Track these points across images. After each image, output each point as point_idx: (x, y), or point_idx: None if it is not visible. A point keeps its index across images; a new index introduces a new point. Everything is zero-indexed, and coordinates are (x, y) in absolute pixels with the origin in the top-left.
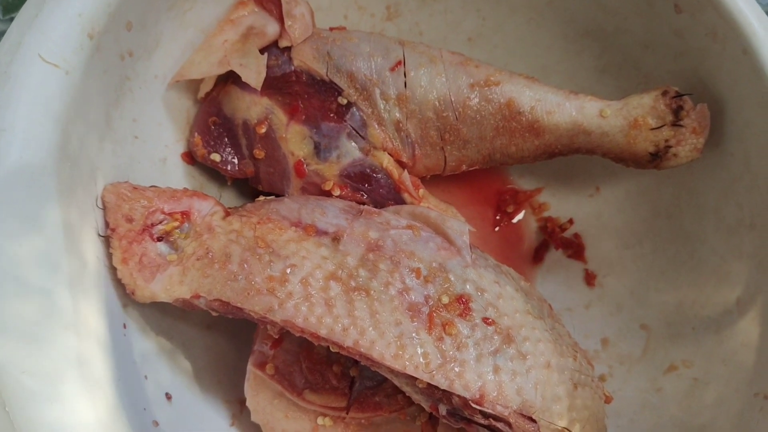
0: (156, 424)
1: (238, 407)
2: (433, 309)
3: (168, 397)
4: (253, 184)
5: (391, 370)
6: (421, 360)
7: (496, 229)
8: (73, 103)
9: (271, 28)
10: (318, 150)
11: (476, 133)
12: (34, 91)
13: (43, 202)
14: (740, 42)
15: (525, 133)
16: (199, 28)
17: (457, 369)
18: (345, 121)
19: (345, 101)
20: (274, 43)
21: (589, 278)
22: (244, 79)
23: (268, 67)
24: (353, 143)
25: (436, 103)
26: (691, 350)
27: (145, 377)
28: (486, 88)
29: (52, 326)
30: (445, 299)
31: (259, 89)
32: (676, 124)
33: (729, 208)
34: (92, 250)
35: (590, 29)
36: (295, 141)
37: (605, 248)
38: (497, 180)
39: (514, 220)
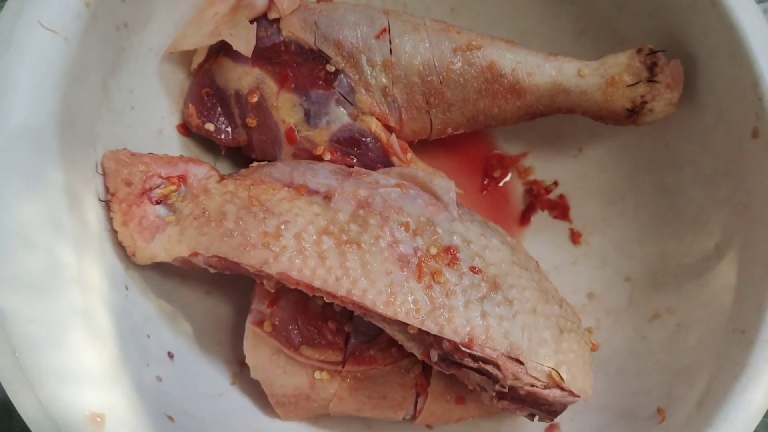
0: (159, 379)
1: (238, 367)
2: (422, 259)
3: (170, 355)
4: (246, 153)
5: (383, 318)
6: (412, 307)
7: (484, 193)
8: (72, 69)
9: (260, 1)
10: (308, 117)
11: (460, 95)
12: (35, 57)
13: (47, 163)
14: None
15: (507, 94)
16: (191, 2)
17: (446, 315)
18: (333, 88)
19: (333, 69)
20: (264, 15)
21: (575, 237)
22: (234, 48)
23: (257, 38)
24: (342, 109)
25: (421, 67)
26: (673, 298)
27: (148, 336)
28: (468, 52)
29: (57, 280)
30: (433, 250)
31: (250, 57)
32: (651, 80)
33: (705, 158)
34: (93, 214)
35: None
36: (286, 109)
37: (589, 207)
38: (483, 146)
39: (501, 184)
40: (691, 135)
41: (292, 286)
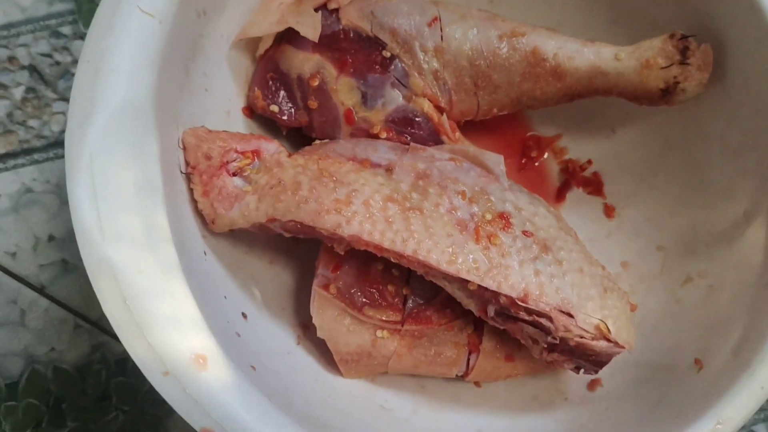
0: (238, 335)
1: (302, 330)
2: (479, 224)
3: (244, 315)
4: (307, 133)
5: (446, 276)
6: (472, 265)
7: (521, 172)
8: (165, 51)
9: None
10: (365, 99)
11: (505, 78)
12: (134, 38)
13: (145, 134)
14: None
15: (549, 77)
16: None
17: (503, 273)
18: (389, 72)
19: (388, 54)
20: (324, 6)
21: (609, 211)
22: (302, 34)
23: None
24: (396, 91)
25: (470, 53)
26: (705, 262)
27: (225, 297)
28: (513, 39)
29: (156, 238)
30: (488, 216)
31: (315, 42)
32: (683, 62)
33: (733, 134)
34: (179, 183)
35: None
36: (345, 92)
37: (622, 183)
38: (520, 128)
39: (537, 164)
40: (720, 113)
41: (362, 248)
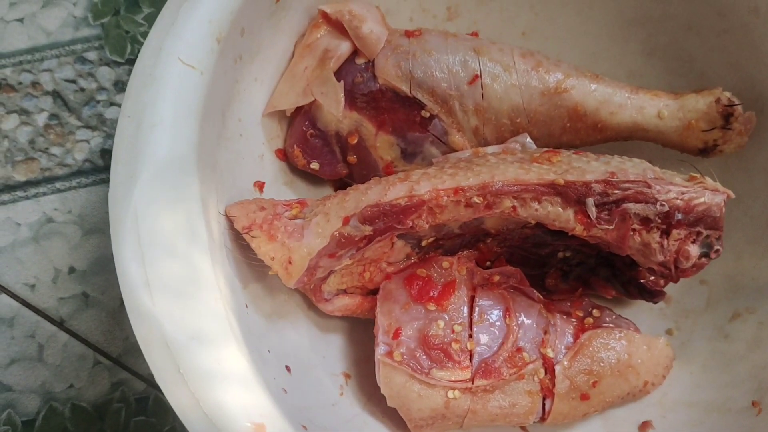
0: (285, 391)
1: (343, 379)
2: (534, 157)
3: (288, 369)
4: (347, 181)
5: (524, 188)
6: (548, 169)
7: None
8: (206, 102)
9: (345, 47)
10: (405, 155)
11: (545, 133)
12: (176, 91)
13: (190, 189)
14: None
15: (589, 130)
16: (291, 35)
17: (579, 169)
18: (428, 131)
19: (427, 114)
20: (354, 60)
21: None
22: (326, 108)
23: (354, 84)
24: (435, 149)
25: (511, 111)
26: (752, 298)
27: (268, 351)
28: (556, 96)
29: (201, 290)
30: (537, 154)
31: (340, 114)
32: (725, 128)
33: None
34: (218, 230)
35: (637, 17)
36: (384, 148)
37: None
38: None
39: None
40: (763, 142)
41: (443, 201)
